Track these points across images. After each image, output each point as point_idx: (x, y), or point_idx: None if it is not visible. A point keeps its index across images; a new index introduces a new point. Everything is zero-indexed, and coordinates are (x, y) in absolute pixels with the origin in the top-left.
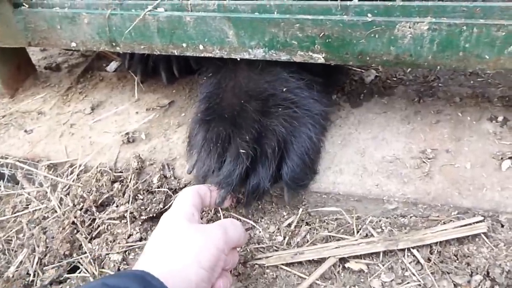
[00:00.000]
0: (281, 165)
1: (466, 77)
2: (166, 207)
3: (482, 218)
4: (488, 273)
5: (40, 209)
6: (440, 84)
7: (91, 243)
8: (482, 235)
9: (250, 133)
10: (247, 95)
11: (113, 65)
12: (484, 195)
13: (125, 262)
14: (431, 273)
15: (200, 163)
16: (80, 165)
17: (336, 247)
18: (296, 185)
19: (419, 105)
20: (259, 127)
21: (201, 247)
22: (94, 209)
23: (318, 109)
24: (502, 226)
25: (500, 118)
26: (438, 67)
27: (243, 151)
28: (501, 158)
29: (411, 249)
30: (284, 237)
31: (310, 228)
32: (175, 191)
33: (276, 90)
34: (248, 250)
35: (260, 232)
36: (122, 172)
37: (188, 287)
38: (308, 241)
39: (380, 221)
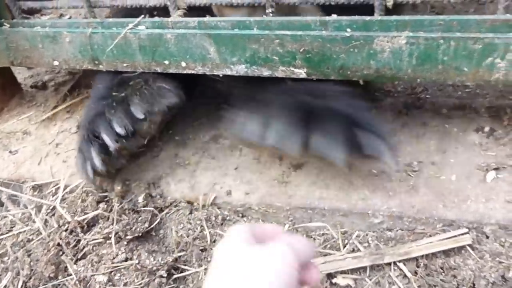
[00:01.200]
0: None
1: (454, 88)
2: (152, 225)
3: (466, 230)
4: (474, 285)
5: (24, 231)
6: (427, 96)
7: (76, 265)
8: (468, 247)
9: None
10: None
11: None
12: (469, 207)
13: (111, 283)
14: (418, 286)
15: (250, 124)
16: (65, 186)
17: (323, 263)
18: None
19: (406, 117)
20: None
21: (271, 272)
22: (79, 230)
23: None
24: (487, 237)
25: (487, 129)
26: (419, 80)
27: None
28: (486, 170)
29: (398, 263)
30: None
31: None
32: (161, 210)
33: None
34: None
35: None
36: (107, 192)
37: None
38: None
39: (366, 235)
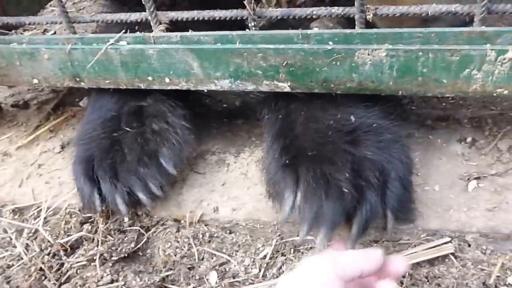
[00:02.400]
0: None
1: (438, 100)
2: (138, 245)
3: (449, 239)
4: None
5: (4, 257)
6: (413, 107)
7: None
8: (451, 255)
9: (347, 167)
10: (328, 126)
11: (86, 100)
12: (451, 216)
13: None
14: None
15: (301, 206)
16: (48, 208)
17: None
18: (400, 212)
19: None
20: (354, 159)
21: None
22: (62, 253)
23: (401, 132)
24: (469, 245)
25: (469, 139)
26: (400, 92)
27: (346, 190)
28: (468, 179)
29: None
30: (260, 269)
31: (285, 259)
32: (148, 229)
33: (360, 118)
34: (223, 285)
35: (235, 266)
36: (91, 212)
37: None
38: (283, 272)
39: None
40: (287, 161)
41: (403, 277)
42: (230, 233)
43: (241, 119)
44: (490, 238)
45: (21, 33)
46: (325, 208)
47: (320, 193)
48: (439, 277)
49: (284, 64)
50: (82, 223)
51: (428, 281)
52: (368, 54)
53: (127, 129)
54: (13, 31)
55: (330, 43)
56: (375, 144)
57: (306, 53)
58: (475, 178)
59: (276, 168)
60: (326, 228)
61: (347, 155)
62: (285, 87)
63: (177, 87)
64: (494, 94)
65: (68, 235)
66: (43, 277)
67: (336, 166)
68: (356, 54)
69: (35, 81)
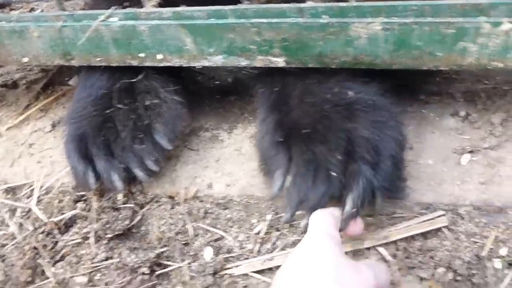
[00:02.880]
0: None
1: (431, 74)
2: (132, 223)
3: (443, 212)
4: (450, 265)
5: None
6: (406, 83)
7: (54, 267)
8: (444, 228)
9: (340, 146)
10: (324, 100)
11: (76, 79)
12: (445, 190)
13: (91, 284)
14: (398, 269)
15: (291, 187)
16: (40, 187)
17: None
18: (389, 191)
19: None
20: (349, 136)
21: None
22: (56, 231)
23: (396, 109)
24: (462, 218)
25: (462, 113)
26: (395, 66)
27: (334, 173)
28: (461, 153)
29: (377, 247)
30: (254, 245)
31: (280, 234)
32: (142, 206)
33: (357, 93)
34: (218, 261)
35: (230, 241)
36: (85, 190)
37: None
38: (278, 247)
39: None
40: (281, 138)
41: (397, 250)
42: (224, 209)
43: (233, 96)
44: (483, 211)
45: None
46: (311, 194)
47: (309, 178)
48: (432, 250)
49: (278, 39)
50: (75, 201)
51: (421, 254)
52: (363, 28)
53: (119, 105)
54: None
55: (325, 16)
56: (370, 121)
57: (301, 27)
58: (468, 152)
59: (269, 143)
60: (314, 207)
61: (342, 132)
62: (279, 62)
63: (169, 64)
64: (489, 67)
65: (62, 214)
66: (37, 256)
67: (329, 146)
68: (351, 28)
69: (25, 59)
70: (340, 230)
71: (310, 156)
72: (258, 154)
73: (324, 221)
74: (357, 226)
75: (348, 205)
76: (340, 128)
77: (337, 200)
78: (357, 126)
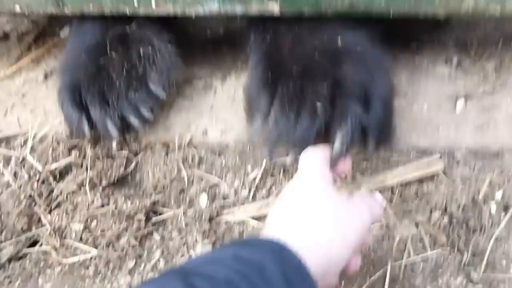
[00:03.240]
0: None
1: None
2: (127, 170)
3: (439, 156)
4: (446, 208)
5: None
6: (397, 30)
7: (50, 215)
8: (440, 172)
9: (326, 83)
10: (314, 47)
11: (66, 31)
12: (440, 134)
13: (87, 231)
14: (394, 213)
15: (272, 124)
16: (34, 136)
17: None
18: (382, 133)
19: None
20: (335, 76)
21: (348, 222)
22: (51, 179)
23: (386, 58)
24: (458, 163)
25: (455, 60)
26: (392, 13)
27: (320, 108)
28: (456, 99)
29: (374, 192)
30: (250, 191)
31: (275, 180)
32: (136, 154)
33: (345, 39)
34: (214, 207)
35: (225, 188)
36: (79, 139)
37: (327, 265)
38: (273, 193)
39: None
40: (267, 80)
41: (393, 194)
42: (219, 155)
43: (226, 46)
44: (479, 155)
45: None
46: (293, 130)
47: (291, 113)
48: (428, 194)
49: None
50: (70, 150)
51: (417, 198)
52: None
53: (113, 54)
54: None
55: None
56: (359, 65)
57: None
58: (463, 98)
59: (256, 86)
60: (296, 148)
61: (330, 73)
62: (274, 7)
63: (164, 12)
64: (486, 14)
65: (56, 162)
66: (33, 204)
67: (315, 84)
68: None
69: (17, 8)
70: (330, 168)
71: (294, 93)
72: (245, 98)
73: (315, 160)
74: (346, 165)
75: (337, 142)
76: (328, 69)
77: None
78: (345, 68)
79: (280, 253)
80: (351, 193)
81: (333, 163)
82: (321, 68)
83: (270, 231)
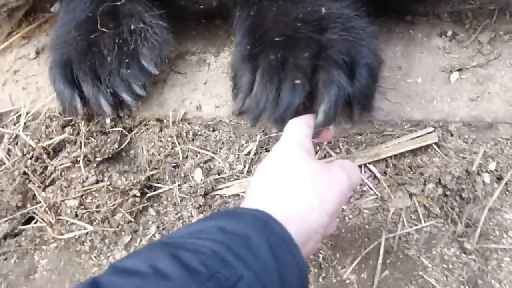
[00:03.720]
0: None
1: None
2: (121, 146)
3: (433, 129)
4: (440, 180)
5: None
6: (391, 4)
7: (45, 192)
8: (434, 145)
9: (308, 54)
10: (297, 19)
11: (57, 6)
12: (435, 107)
13: (82, 207)
14: (388, 186)
15: (255, 95)
16: (27, 113)
17: None
18: (365, 102)
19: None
20: (319, 45)
21: (326, 188)
22: (45, 156)
23: (371, 28)
24: (452, 135)
25: (449, 33)
26: None
27: (301, 76)
28: (450, 71)
29: (368, 165)
30: (244, 165)
31: None
32: (130, 130)
33: (329, 9)
34: (208, 182)
35: (219, 163)
36: (72, 115)
37: (308, 231)
38: None
39: (337, 141)
40: (251, 53)
41: (387, 167)
42: (213, 130)
43: (219, 20)
44: (473, 127)
45: None
46: (275, 105)
47: (273, 88)
48: (422, 167)
49: None
50: (63, 127)
51: (411, 170)
52: None
53: (104, 30)
54: None
55: None
56: (343, 34)
57: None
58: (457, 70)
59: (240, 60)
60: (278, 122)
61: (312, 42)
62: None
63: None
64: None
65: (50, 139)
66: (27, 181)
67: (298, 53)
68: None
69: None
70: (313, 137)
71: (276, 65)
72: (230, 73)
73: (294, 129)
74: (328, 133)
75: (320, 114)
76: (311, 39)
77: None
78: (329, 37)
79: (264, 224)
80: (329, 161)
81: (316, 134)
82: (304, 39)
83: (252, 200)
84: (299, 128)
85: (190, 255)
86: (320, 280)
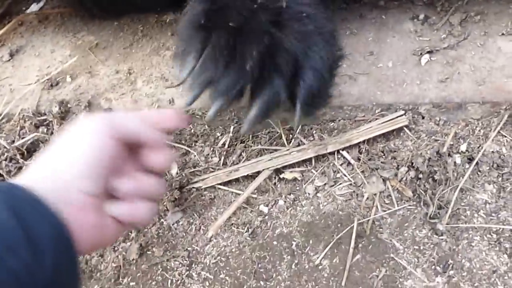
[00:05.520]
0: (293, 84)
1: None
2: None
3: (403, 112)
4: (412, 163)
5: None
6: None
7: None
8: (405, 128)
9: (259, 45)
10: (258, 4)
11: (33, 7)
12: (405, 90)
13: None
14: (361, 171)
15: (200, 69)
16: (0, 114)
17: (270, 159)
18: (310, 106)
19: (345, 12)
20: (271, 39)
21: (77, 139)
22: (19, 156)
23: (330, 28)
24: (423, 117)
25: (421, 16)
26: None
27: (251, 62)
28: (420, 54)
29: (341, 151)
30: (220, 158)
31: (244, 146)
32: None
33: (290, 3)
34: (184, 175)
35: (195, 156)
36: (46, 115)
37: (64, 187)
38: (243, 158)
39: (311, 129)
40: (203, 22)
41: (360, 153)
42: (188, 123)
43: None
44: (443, 108)
45: None
46: (222, 78)
47: (221, 61)
48: (394, 151)
49: None
50: (37, 126)
51: (384, 155)
52: None
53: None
54: None
55: None
56: (297, 33)
57: None
58: (428, 52)
59: (190, 27)
60: (218, 100)
61: (266, 36)
62: None
63: None
64: None
65: (24, 139)
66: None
67: (250, 41)
68: None
69: None
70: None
71: (229, 42)
72: (177, 40)
73: (121, 114)
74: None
75: (252, 111)
76: (264, 30)
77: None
78: (282, 35)
79: (7, 191)
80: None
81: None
82: (259, 27)
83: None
84: (130, 115)
85: None
86: (293, 267)
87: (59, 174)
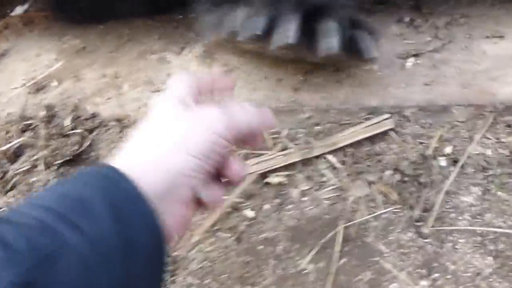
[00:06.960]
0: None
1: None
2: (82, 148)
3: (389, 115)
4: (397, 166)
5: None
6: None
7: (6, 196)
8: (391, 131)
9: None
10: None
11: (18, 9)
12: (390, 93)
13: None
14: (347, 175)
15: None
16: None
17: (255, 164)
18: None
19: None
20: None
21: (188, 130)
22: (5, 161)
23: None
24: (409, 120)
25: (407, 19)
26: None
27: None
28: (406, 57)
29: (326, 155)
30: None
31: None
32: (91, 131)
33: None
34: None
35: None
36: (32, 119)
37: (167, 177)
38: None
39: (296, 132)
40: None
41: (345, 156)
42: None
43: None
44: (428, 111)
45: None
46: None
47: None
48: (380, 154)
49: None
50: (23, 131)
51: (369, 158)
52: None
53: None
54: None
55: None
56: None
57: None
58: (413, 55)
59: None
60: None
61: None
62: None
63: None
64: None
65: (10, 143)
66: None
67: None
68: None
69: None
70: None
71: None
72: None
73: (175, 87)
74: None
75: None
76: None
77: None
78: None
79: (107, 181)
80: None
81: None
82: None
83: (117, 157)
84: (179, 85)
85: (9, 229)
86: (278, 271)
87: (164, 163)
